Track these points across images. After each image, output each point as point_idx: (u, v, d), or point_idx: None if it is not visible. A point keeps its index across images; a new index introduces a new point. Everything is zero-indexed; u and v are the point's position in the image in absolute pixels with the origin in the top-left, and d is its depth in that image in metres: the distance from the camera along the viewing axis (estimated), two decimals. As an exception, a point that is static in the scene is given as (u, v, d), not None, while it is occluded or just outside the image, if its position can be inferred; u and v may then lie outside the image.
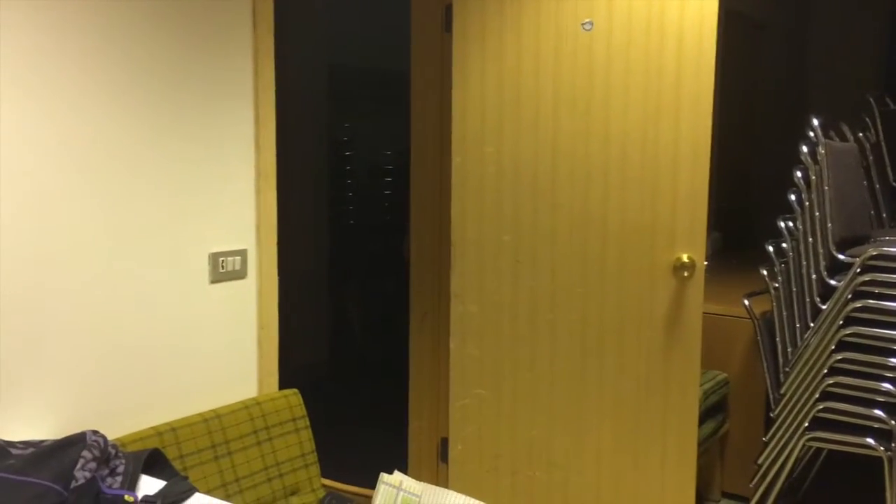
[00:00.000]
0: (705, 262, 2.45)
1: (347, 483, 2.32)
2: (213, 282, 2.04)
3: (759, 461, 2.66)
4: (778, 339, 2.65)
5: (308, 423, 2.15)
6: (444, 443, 3.00)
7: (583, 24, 2.48)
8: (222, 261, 2.05)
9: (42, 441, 1.52)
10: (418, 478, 3.13)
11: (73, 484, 1.37)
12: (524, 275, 2.64)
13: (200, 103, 1.97)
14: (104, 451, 1.49)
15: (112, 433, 1.81)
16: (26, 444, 1.50)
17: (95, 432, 1.51)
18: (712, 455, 3.15)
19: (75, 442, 1.46)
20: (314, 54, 4.83)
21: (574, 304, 2.58)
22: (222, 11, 2.00)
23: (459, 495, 1.85)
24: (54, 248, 1.70)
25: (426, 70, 3.00)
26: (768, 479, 2.63)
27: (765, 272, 2.74)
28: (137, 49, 1.82)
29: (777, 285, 2.69)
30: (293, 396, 2.15)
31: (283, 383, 2.25)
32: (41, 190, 1.67)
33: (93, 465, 1.43)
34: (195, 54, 1.94)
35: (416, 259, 3.10)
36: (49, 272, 1.69)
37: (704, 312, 2.54)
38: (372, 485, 1.88)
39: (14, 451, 1.45)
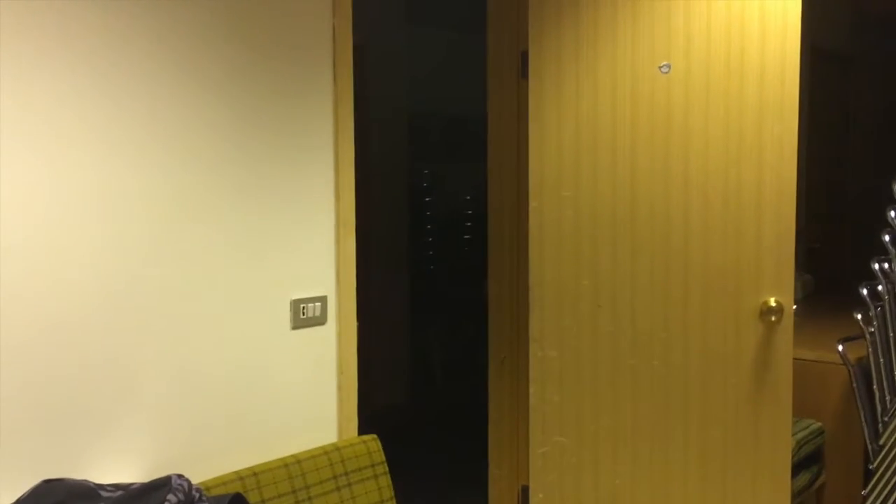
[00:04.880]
0: (794, 306, 2.36)
1: (426, 531, 2.31)
2: (294, 328, 2.08)
3: (859, 517, 2.52)
4: (875, 386, 2.52)
5: (387, 469, 2.16)
6: (525, 490, 2.95)
7: (660, 67, 2.46)
8: (303, 307, 2.10)
9: (131, 484, 1.57)
10: (498, 526, 3.08)
11: (158, 527, 1.41)
12: (604, 319, 2.60)
13: (281, 155, 2.03)
14: (188, 495, 1.52)
15: (196, 477, 1.85)
16: (115, 486, 1.55)
17: (180, 476, 1.55)
18: (808, 509, 3.00)
19: (161, 485, 1.50)
20: (393, 102, 4.94)
21: (656, 349, 2.52)
22: (303, 65, 2.07)
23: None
24: (139, 297, 1.77)
25: (503, 115, 3.03)
26: (869, 536, 2.48)
27: (859, 316, 2.62)
28: (218, 104, 1.90)
29: (873, 330, 2.57)
30: (372, 442, 2.16)
31: (362, 428, 2.27)
32: (128, 243, 1.75)
33: (177, 508, 1.46)
34: (276, 108, 2.01)
35: (495, 303, 3.10)
36: (135, 321, 1.76)
37: (796, 358, 2.44)
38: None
39: (104, 494, 1.50)
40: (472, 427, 3.84)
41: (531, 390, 2.74)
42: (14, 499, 1.53)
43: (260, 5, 1.96)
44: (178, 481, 1.52)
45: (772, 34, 2.32)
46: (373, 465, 2.13)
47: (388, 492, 2.14)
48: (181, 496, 1.50)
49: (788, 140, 2.32)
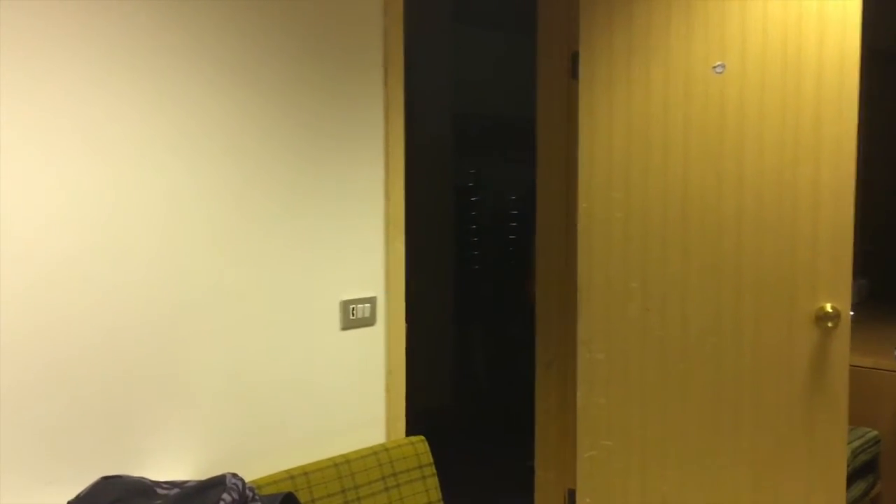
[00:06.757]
0: (851, 312, 2.31)
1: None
2: (343, 329, 2.09)
3: (918, 529, 2.45)
4: (936, 395, 2.45)
5: (434, 470, 2.16)
6: (572, 494, 2.93)
7: (714, 67, 2.42)
8: (353, 308, 2.11)
9: (186, 482, 1.59)
10: (544, 529, 3.06)
11: (213, 525, 1.42)
12: (653, 323, 2.56)
13: (332, 157, 2.04)
14: (242, 494, 1.54)
15: (247, 475, 1.87)
16: (171, 484, 1.57)
17: (235, 475, 1.57)
18: (863, 519, 2.93)
19: (216, 484, 1.52)
20: (440, 101, 4.94)
21: (707, 354, 2.48)
22: (354, 67, 2.08)
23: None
24: (194, 298, 1.79)
25: (552, 116, 3.01)
26: (928, 548, 2.41)
27: (919, 323, 2.55)
28: (272, 108, 1.92)
29: (933, 337, 2.50)
30: (420, 444, 2.16)
31: (408, 429, 2.27)
32: (183, 245, 1.77)
33: (231, 507, 1.48)
34: (328, 111, 2.03)
35: (542, 305, 3.08)
36: (189, 322, 1.79)
37: (851, 365, 2.38)
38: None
39: (160, 491, 1.53)
40: (518, 429, 3.82)
41: (578, 393, 2.72)
42: (74, 494, 1.56)
43: (312, 8, 1.97)
44: (233, 480, 1.54)
45: (830, 32, 2.26)
46: (420, 467, 2.13)
47: (436, 494, 2.14)
48: (235, 495, 1.51)
49: (847, 139, 2.26)
